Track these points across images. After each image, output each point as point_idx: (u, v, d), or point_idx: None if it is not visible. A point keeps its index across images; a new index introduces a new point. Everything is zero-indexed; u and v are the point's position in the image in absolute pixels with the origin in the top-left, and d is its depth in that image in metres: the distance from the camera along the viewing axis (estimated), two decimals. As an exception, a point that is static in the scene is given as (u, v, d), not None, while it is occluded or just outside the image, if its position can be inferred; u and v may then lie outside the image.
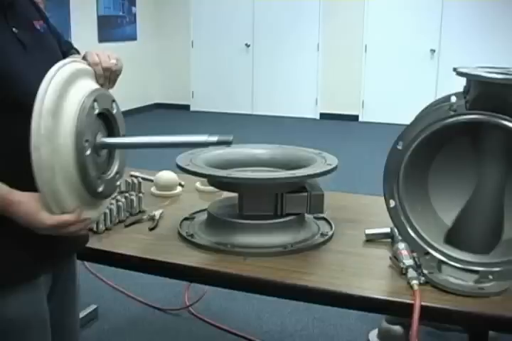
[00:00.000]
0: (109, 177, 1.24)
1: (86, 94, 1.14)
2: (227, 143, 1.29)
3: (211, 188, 1.90)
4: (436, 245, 1.41)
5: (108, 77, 1.26)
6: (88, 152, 1.11)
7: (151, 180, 2.15)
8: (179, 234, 1.69)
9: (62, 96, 1.09)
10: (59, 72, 1.09)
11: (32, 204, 1.10)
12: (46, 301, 1.30)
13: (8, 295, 1.20)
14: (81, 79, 1.17)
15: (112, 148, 1.25)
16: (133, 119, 6.05)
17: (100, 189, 1.17)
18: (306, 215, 1.71)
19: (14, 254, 1.19)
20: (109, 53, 1.26)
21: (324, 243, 1.65)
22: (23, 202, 1.10)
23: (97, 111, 1.16)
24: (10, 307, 1.20)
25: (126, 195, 1.89)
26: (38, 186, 1.06)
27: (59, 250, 1.30)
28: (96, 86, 1.21)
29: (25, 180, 1.08)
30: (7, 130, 1.13)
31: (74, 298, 1.49)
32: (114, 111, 1.25)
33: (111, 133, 1.26)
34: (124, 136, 1.28)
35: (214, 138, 1.25)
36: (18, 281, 1.21)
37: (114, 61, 1.26)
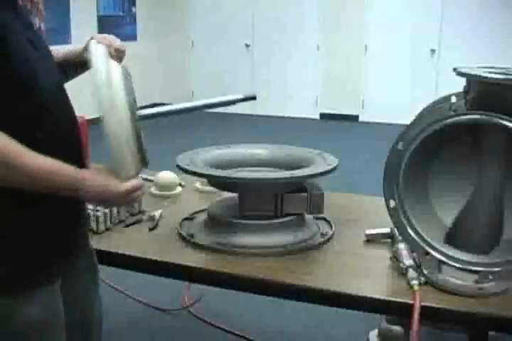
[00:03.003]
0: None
1: (119, 67, 1.19)
2: (253, 99, 1.41)
3: (211, 188, 1.90)
4: (436, 245, 1.41)
5: (118, 56, 1.33)
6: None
7: (151, 180, 2.15)
8: (179, 234, 1.69)
9: (109, 69, 1.14)
10: (99, 47, 1.16)
11: (101, 176, 1.15)
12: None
13: (32, 296, 1.20)
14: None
15: (150, 118, 1.27)
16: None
17: (148, 158, 1.21)
18: (306, 215, 1.71)
19: (40, 255, 1.21)
20: (113, 36, 1.34)
21: (324, 243, 1.65)
22: (94, 174, 1.16)
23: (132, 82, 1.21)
24: (34, 308, 1.20)
25: (126, 195, 1.88)
26: (111, 155, 1.11)
27: (76, 249, 1.33)
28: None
29: None
30: (30, 131, 1.13)
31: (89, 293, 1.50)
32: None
33: None
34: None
35: (240, 96, 1.38)
36: (43, 282, 1.22)
37: (119, 42, 1.34)
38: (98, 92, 1.08)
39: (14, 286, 1.18)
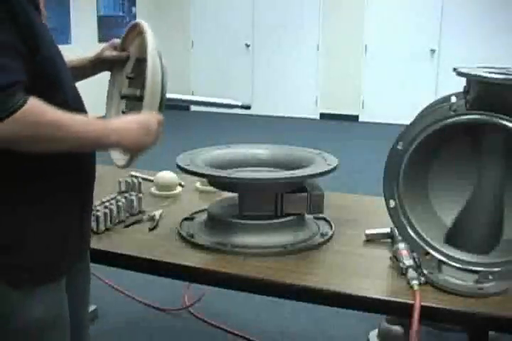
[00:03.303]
0: None
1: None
2: (247, 108, 1.61)
3: (211, 188, 1.90)
4: (436, 245, 1.41)
5: None
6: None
7: (151, 180, 2.15)
8: (179, 234, 1.69)
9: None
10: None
11: (127, 116, 1.31)
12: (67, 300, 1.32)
13: (36, 293, 1.21)
14: None
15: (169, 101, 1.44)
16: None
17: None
18: (306, 215, 1.71)
19: (48, 254, 1.22)
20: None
21: (324, 243, 1.65)
22: (120, 118, 1.34)
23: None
24: (38, 307, 1.21)
25: (126, 195, 1.89)
26: (150, 93, 1.28)
27: (85, 247, 1.36)
28: None
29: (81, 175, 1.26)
30: None
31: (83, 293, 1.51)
32: None
33: None
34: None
35: (238, 103, 1.59)
36: (50, 278, 1.23)
37: None
38: (151, 68, 1.31)
39: (21, 280, 1.18)
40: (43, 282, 1.22)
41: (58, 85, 1.18)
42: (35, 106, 1.04)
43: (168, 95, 1.38)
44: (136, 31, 1.43)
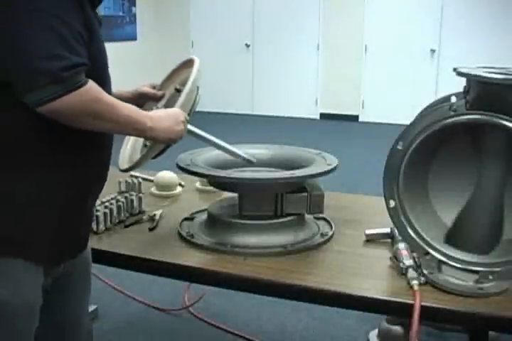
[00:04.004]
0: None
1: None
2: (250, 163, 1.71)
3: (211, 188, 1.90)
4: (436, 245, 1.41)
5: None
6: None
7: (151, 180, 2.15)
8: (179, 234, 1.69)
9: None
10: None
11: (160, 110, 1.45)
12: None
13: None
14: None
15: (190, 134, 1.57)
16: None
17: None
18: (306, 215, 1.71)
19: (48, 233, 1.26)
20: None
21: (324, 243, 1.65)
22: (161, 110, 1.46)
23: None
24: (6, 288, 1.21)
25: (126, 195, 1.89)
26: (186, 94, 1.46)
27: (75, 242, 1.37)
28: None
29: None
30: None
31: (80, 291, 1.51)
32: None
33: None
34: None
35: (245, 156, 1.69)
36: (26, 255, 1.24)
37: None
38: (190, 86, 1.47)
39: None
40: (19, 255, 1.22)
41: (102, 80, 1.26)
42: (96, 86, 1.17)
43: (189, 126, 1.51)
44: (187, 66, 1.61)
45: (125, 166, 1.54)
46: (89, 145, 1.29)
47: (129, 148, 1.63)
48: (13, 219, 1.21)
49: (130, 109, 1.27)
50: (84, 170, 1.29)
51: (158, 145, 1.44)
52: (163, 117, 1.36)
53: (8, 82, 1.13)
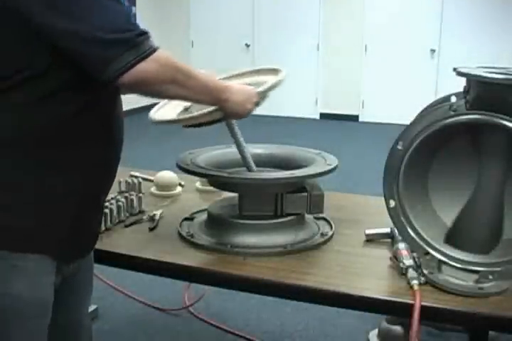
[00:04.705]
0: None
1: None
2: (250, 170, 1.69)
3: (211, 188, 1.90)
4: (436, 245, 1.41)
5: None
6: None
7: (151, 180, 2.15)
8: (179, 234, 1.69)
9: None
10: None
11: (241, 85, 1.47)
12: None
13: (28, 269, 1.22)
14: None
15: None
16: (133, 120, 6.05)
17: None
18: (306, 215, 1.71)
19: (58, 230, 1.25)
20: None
21: (324, 243, 1.65)
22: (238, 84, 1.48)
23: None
24: (23, 283, 1.21)
25: (126, 195, 1.88)
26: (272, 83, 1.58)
27: (84, 241, 1.37)
28: None
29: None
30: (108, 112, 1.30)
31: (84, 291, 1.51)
32: None
33: None
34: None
35: (252, 165, 1.68)
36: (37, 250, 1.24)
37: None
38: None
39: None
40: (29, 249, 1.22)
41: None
42: (169, 54, 1.19)
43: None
44: (260, 72, 1.74)
45: (161, 118, 1.53)
46: (108, 142, 1.30)
47: (168, 106, 1.63)
48: (33, 216, 1.21)
49: (210, 78, 1.31)
50: (100, 167, 1.30)
51: (217, 114, 1.44)
52: (240, 91, 1.39)
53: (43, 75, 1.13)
